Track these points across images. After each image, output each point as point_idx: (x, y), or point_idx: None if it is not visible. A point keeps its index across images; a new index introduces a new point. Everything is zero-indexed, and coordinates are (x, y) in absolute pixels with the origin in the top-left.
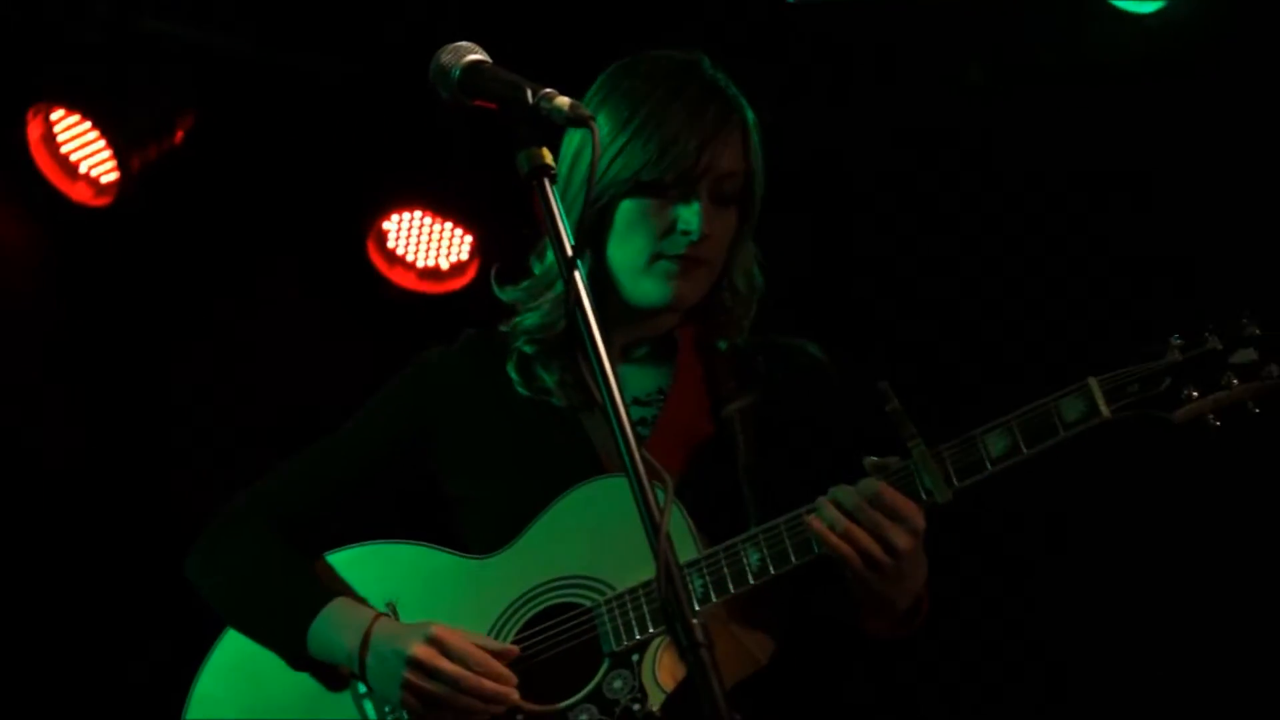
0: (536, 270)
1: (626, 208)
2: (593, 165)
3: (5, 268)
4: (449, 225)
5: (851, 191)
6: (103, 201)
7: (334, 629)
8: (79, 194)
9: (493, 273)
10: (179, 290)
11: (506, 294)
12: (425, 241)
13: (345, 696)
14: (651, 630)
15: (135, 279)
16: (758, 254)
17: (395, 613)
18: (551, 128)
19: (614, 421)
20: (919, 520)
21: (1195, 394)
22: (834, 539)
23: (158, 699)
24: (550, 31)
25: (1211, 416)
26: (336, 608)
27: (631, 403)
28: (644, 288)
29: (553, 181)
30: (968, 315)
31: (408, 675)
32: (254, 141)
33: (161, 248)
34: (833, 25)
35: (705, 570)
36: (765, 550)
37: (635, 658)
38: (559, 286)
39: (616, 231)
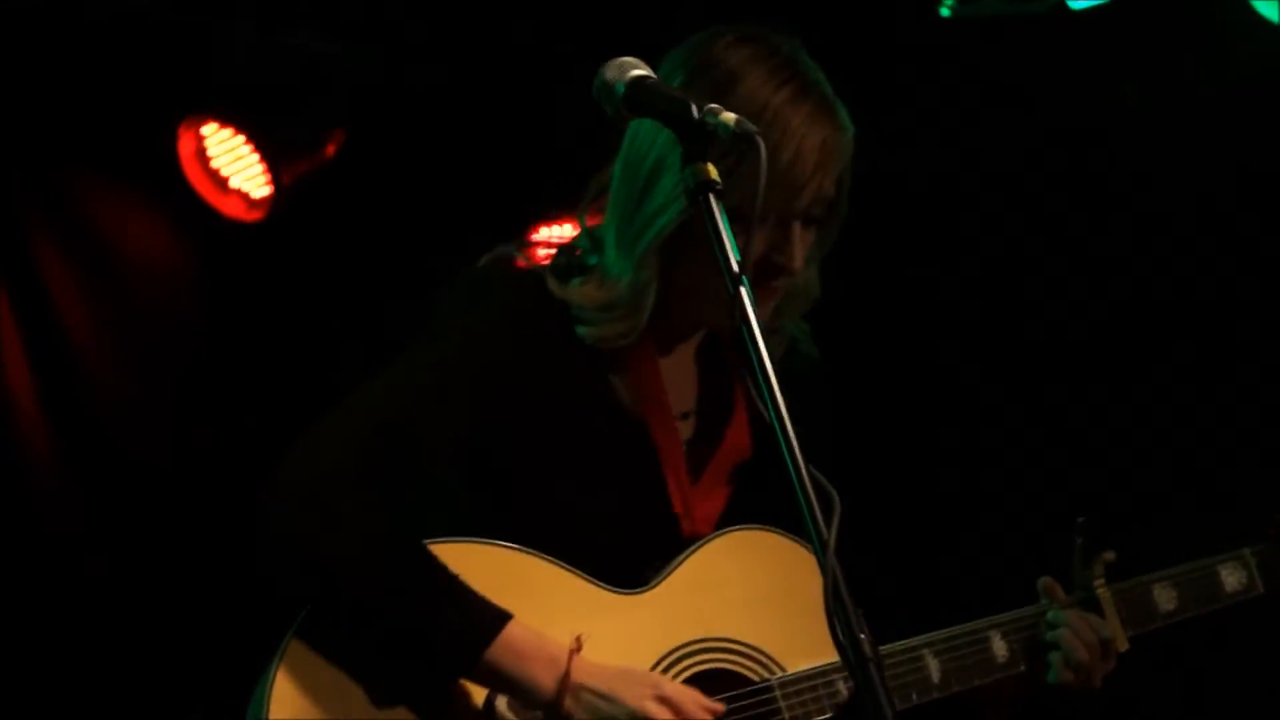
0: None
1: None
2: (761, 185)
3: (158, 283)
4: None
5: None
6: (255, 216)
7: (518, 658)
8: (231, 209)
9: (550, 266)
10: (330, 304)
11: (567, 290)
12: None
13: (466, 713)
14: None
15: (287, 294)
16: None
17: (580, 648)
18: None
19: (783, 445)
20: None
21: None
22: (1074, 673)
23: None
24: None
25: None
26: (517, 634)
27: (682, 416)
28: (717, 312)
29: (719, 197)
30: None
31: None
32: (399, 155)
33: (313, 263)
34: (987, 41)
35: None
36: (946, 662)
37: None
38: (625, 278)
39: (695, 247)
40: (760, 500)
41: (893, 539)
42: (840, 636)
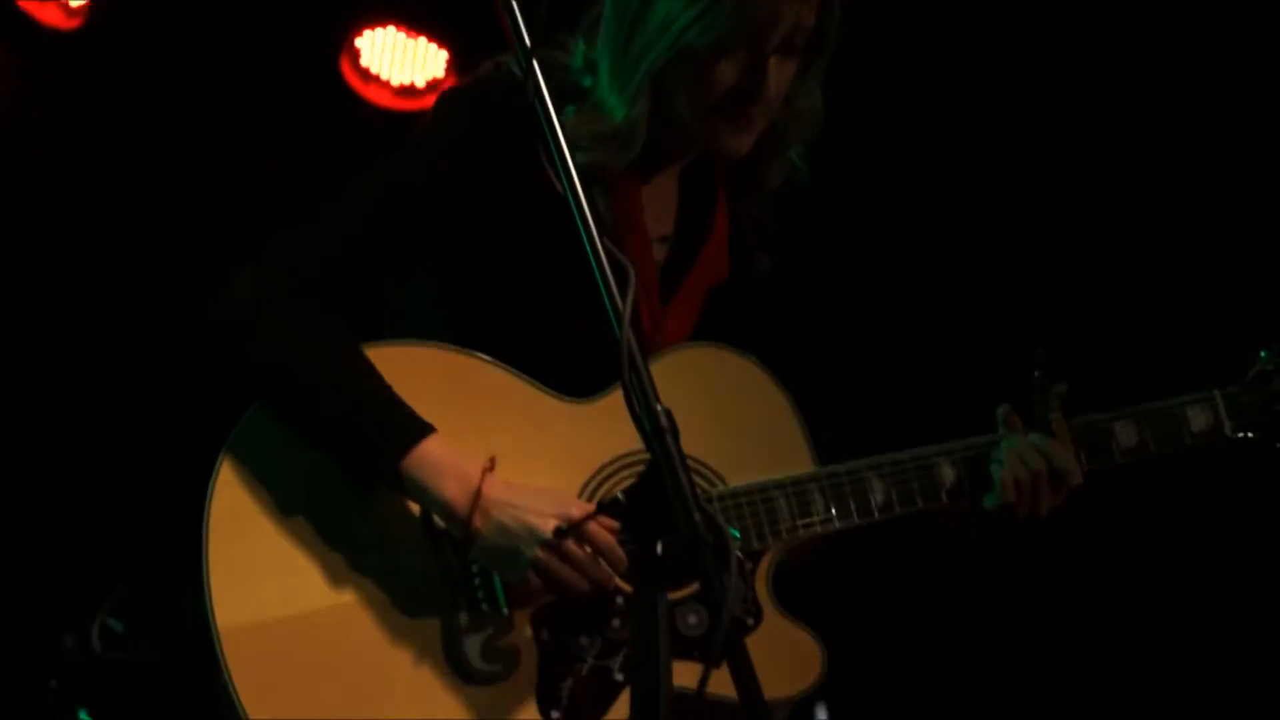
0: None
1: (688, 61)
2: None
3: None
4: (423, 40)
5: None
6: (73, 24)
7: (432, 475)
8: (49, 17)
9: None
10: (151, 114)
11: (563, 118)
12: (400, 58)
13: (400, 520)
14: (771, 541)
15: (107, 103)
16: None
17: (493, 468)
18: None
19: (575, 211)
20: (1065, 496)
21: None
22: (1014, 496)
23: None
24: None
25: None
26: (433, 448)
27: (660, 240)
28: (698, 138)
29: None
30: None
31: (540, 555)
32: None
33: (132, 71)
34: None
35: (829, 490)
36: (890, 484)
37: (749, 566)
38: (619, 114)
39: (672, 81)
40: (731, 320)
41: (860, 373)
42: (636, 408)
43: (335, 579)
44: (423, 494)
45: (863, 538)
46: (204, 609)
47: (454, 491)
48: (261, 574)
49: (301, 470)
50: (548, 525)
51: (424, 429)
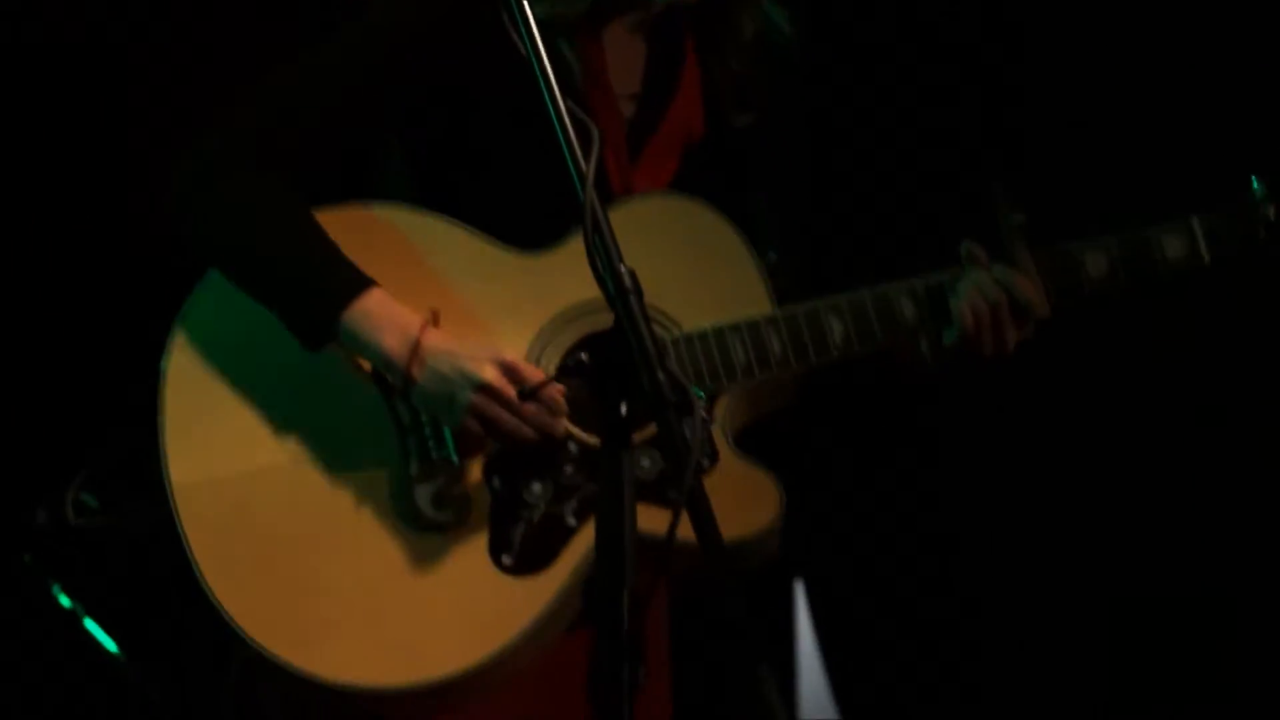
0: None
1: None
2: None
3: None
4: None
5: None
6: None
7: (372, 327)
8: None
9: None
10: None
11: None
12: None
13: (353, 378)
14: (727, 383)
15: None
16: None
17: (436, 320)
18: None
19: (538, 73)
20: (1031, 330)
21: None
22: (973, 329)
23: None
24: None
25: None
26: (374, 301)
27: (628, 95)
28: None
29: None
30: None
31: (475, 399)
32: None
33: None
34: None
35: (785, 330)
36: (849, 322)
37: (706, 419)
38: None
39: None
40: (708, 177)
41: (837, 225)
42: (599, 269)
43: (288, 434)
44: (363, 347)
45: (826, 389)
46: (161, 468)
47: (392, 343)
48: (216, 432)
49: (256, 331)
50: (482, 369)
51: (364, 282)
